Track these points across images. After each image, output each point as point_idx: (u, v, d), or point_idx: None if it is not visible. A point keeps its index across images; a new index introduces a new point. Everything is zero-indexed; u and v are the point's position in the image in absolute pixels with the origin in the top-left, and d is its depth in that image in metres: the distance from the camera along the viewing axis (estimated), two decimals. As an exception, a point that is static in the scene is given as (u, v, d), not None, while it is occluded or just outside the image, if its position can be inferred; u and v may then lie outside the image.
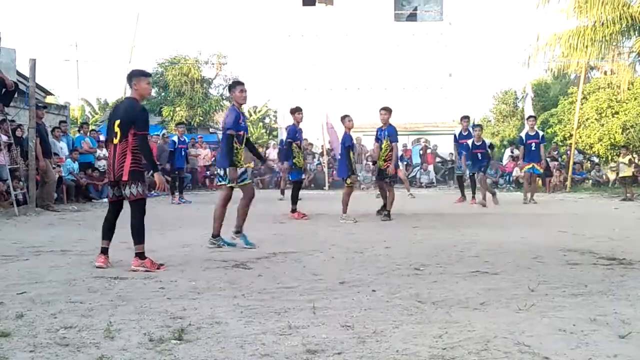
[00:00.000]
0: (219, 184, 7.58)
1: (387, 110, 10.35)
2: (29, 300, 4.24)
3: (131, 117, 5.66)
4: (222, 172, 7.31)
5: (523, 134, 14.54)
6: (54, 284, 4.85)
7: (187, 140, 16.29)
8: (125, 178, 5.62)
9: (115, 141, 5.68)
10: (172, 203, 14.57)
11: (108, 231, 5.87)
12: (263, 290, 4.60)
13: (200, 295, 4.45)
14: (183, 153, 15.43)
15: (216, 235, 7.20)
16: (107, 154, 6.54)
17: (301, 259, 6.20)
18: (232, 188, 7.27)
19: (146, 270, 5.48)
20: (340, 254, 6.48)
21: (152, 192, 17.34)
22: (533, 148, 13.90)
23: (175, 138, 15.32)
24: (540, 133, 14.51)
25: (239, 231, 7.32)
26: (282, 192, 15.57)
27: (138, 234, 5.70)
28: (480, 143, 13.21)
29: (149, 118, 5.93)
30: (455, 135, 14.67)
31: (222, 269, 5.57)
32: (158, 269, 5.58)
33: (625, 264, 5.77)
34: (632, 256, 6.19)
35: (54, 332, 3.46)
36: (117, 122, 5.69)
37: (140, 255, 5.62)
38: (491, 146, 14.41)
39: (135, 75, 5.89)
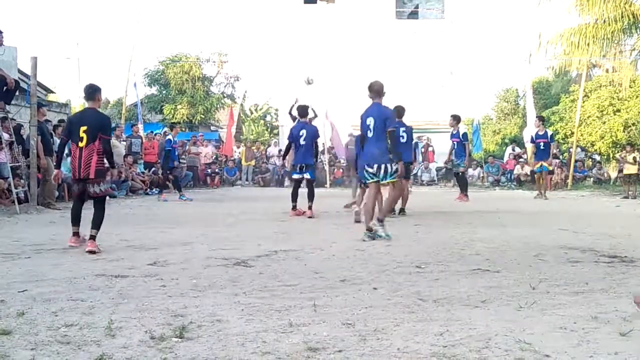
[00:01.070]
0: (370, 181, 7.63)
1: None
2: (30, 298, 4.24)
3: (99, 124, 6.68)
4: (374, 169, 7.53)
5: (533, 134, 14.82)
6: (55, 282, 4.85)
7: (176, 141, 16.40)
8: (92, 176, 6.56)
9: (81, 144, 6.58)
10: (159, 200, 14.92)
11: (76, 218, 6.83)
12: (264, 288, 4.60)
13: (202, 293, 4.45)
14: (175, 154, 15.76)
15: (370, 229, 7.43)
16: None
17: (302, 256, 6.20)
18: (379, 183, 7.59)
19: (98, 251, 6.32)
20: (341, 252, 6.48)
21: (154, 190, 17.41)
22: (542, 147, 14.19)
23: (170, 137, 15.37)
24: (549, 132, 14.90)
25: (381, 220, 7.57)
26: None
27: (99, 223, 6.59)
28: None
29: (110, 124, 7.19)
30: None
31: (223, 267, 5.57)
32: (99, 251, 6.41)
33: (626, 262, 5.77)
34: (634, 254, 6.18)
35: (55, 330, 3.46)
36: (84, 128, 6.59)
37: (93, 238, 6.46)
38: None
39: (99, 90, 6.93)
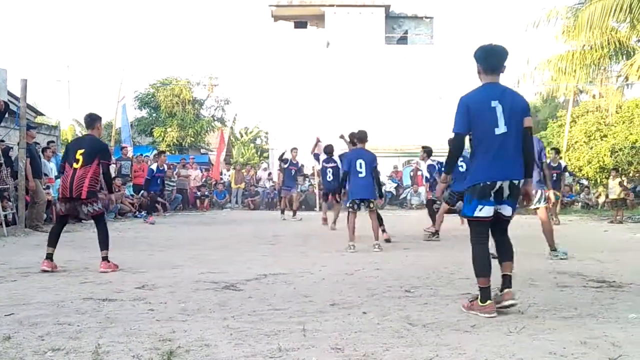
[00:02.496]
0: (536, 207, 8.13)
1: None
2: (16, 322, 4.19)
3: (98, 148, 6.93)
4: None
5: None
6: (42, 305, 4.80)
7: (165, 170, 16.44)
8: (84, 196, 6.70)
9: (76, 166, 6.77)
10: (146, 222, 14.87)
11: (54, 239, 6.84)
12: (253, 312, 4.58)
13: (190, 317, 4.42)
14: (159, 181, 15.89)
15: (554, 248, 8.03)
16: None
17: (291, 280, 6.18)
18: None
19: (112, 271, 6.57)
20: (331, 276, 6.46)
21: (142, 213, 17.34)
22: (554, 177, 14.32)
23: (154, 166, 15.37)
24: (563, 163, 15.38)
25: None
26: (283, 212, 16.47)
27: (105, 242, 6.78)
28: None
29: (108, 150, 7.56)
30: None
31: (212, 291, 5.54)
32: (115, 269, 6.67)
33: (615, 287, 5.79)
34: (622, 279, 6.21)
35: (42, 355, 3.42)
36: (81, 151, 6.83)
37: (105, 259, 6.69)
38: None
39: (99, 119, 7.25)
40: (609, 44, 19.18)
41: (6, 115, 12.87)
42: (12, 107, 15.37)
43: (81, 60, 77.53)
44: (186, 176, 21.36)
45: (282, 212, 16.34)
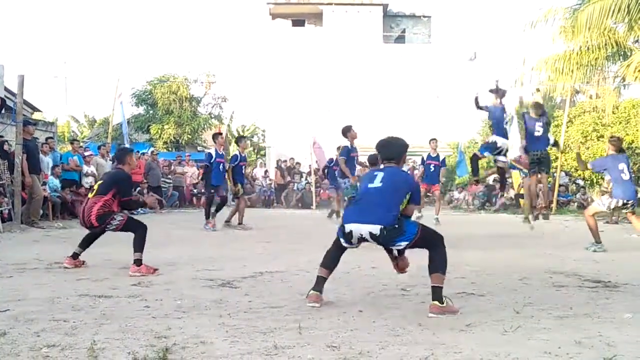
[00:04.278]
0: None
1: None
2: (11, 318, 4.19)
3: (115, 179, 6.69)
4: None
5: (425, 155, 14.81)
6: (37, 301, 4.80)
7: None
8: (95, 224, 6.51)
9: (90, 195, 6.68)
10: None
11: (84, 242, 6.84)
12: (249, 310, 4.58)
13: (186, 314, 4.42)
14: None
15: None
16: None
17: (288, 278, 6.19)
18: None
19: (142, 275, 6.15)
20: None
21: (139, 210, 17.32)
22: (432, 169, 14.29)
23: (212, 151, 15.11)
24: (442, 156, 14.84)
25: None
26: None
27: (137, 244, 6.41)
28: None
29: (131, 184, 7.23)
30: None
31: (208, 288, 5.54)
32: (153, 272, 6.27)
33: (610, 287, 5.80)
34: (617, 278, 6.22)
35: (37, 351, 3.42)
36: (100, 182, 6.83)
37: (137, 262, 6.30)
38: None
39: (129, 154, 7.02)
40: (606, 44, 19.19)
41: (3, 111, 12.85)
42: (9, 103, 15.32)
43: (78, 57, 77.38)
44: (182, 173, 21.33)
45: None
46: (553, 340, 3.74)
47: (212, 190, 12.52)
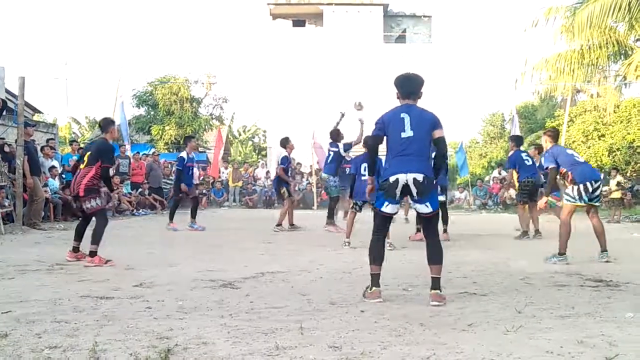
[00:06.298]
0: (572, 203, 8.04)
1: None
2: (13, 320, 4.19)
3: (101, 150, 7.35)
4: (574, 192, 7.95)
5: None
6: (39, 303, 4.80)
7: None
8: (81, 194, 7.17)
9: (82, 166, 7.36)
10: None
11: (77, 234, 7.50)
12: (251, 310, 4.58)
13: (187, 315, 4.42)
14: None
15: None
16: None
17: (289, 278, 6.18)
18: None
19: (95, 265, 6.86)
20: (328, 274, 6.46)
21: (140, 211, 17.35)
22: None
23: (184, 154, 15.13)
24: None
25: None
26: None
27: (95, 236, 7.07)
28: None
29: (113, 154, 7.83)
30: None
31: (210, 289, 5.54)
32: (106, 263, 6.95)
33: (612, 286, 5.80)
34: (619, 278, 6.22)
35: (39, 352, 3.42)
36: (89, 153, 7.42)
37: (91, 254, 7.02)
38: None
39: (111, 124, 7.90)
40: (607, 43, 19.19)
41: (4, 113, 12.85)
42: (10, 104, 15.34)
43: (79, 58, 77.43)
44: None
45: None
46: (555, 340, 3.74)
47: (181, 194, 12.60)
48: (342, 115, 13.16)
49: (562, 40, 20.44)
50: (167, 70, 30.18)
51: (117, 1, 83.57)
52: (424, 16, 33.76)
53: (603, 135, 23.14)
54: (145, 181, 18.87)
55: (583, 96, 27.35)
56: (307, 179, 23.20)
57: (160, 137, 28.86)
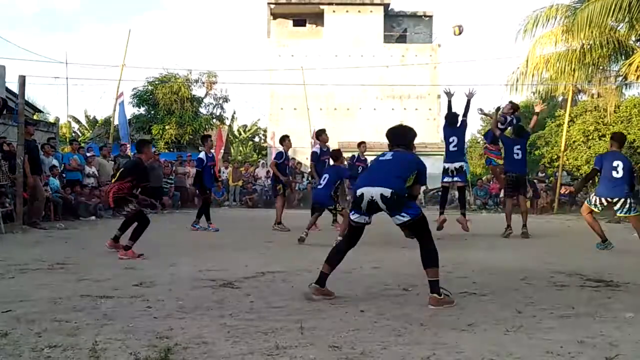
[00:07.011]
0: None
1: None
2: (13, 319, 4.19)
3: (130, 167, 8.08)
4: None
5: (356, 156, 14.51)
6: (39, 302, 4.80)
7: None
8: (111, 205, 7.88)
9: (113, 180, 8.03)
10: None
11: (123, 225, 8.19)
12: (251, 310, 4.58)
13: (187, 314, 4.42)
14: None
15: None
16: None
17: (289, 278, 6.19)
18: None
19: (128, 258, 7.30)
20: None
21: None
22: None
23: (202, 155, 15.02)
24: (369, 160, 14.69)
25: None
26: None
27: (134, 233, 7.65)
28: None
29: (147, 173, 8.31)
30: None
31: (210, 289, 5.54)
32: (139, 257, 7.38)
33: (612, 286, 5.80)
34: (619, 278, 6.22)
35: (39, 352, 3.42)
36: (122, 169, 8.10)
37: (126, 248, 7.52)
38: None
39: (146, 144, 8.44)
40: (607, 43, 19.17)
41: (4, 112, 12.85)
42: (10, 104, 15.34)
43: (79, 58, 77.42)
44: (184, 174, 21.33)
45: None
46: (555, 340, 3.74)
47: (208, 192, 12.53)
48: (451, 94, 12.06)
49: (563, 40, 20.42)
50: (168, 69, 29.94)
51: (117, 1, 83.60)
52: (425, 16, 33.78)
53: (604, 136, 23.12)
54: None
55: (584, 96, 27.36)
56: (308, 179, 23.19)
57: (161, 137, 28.85)
